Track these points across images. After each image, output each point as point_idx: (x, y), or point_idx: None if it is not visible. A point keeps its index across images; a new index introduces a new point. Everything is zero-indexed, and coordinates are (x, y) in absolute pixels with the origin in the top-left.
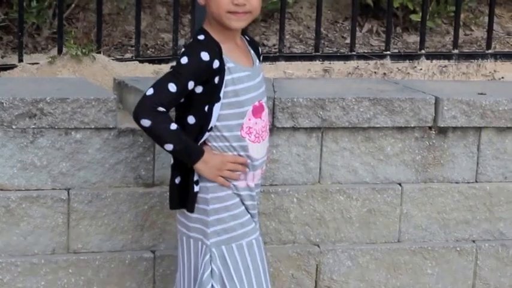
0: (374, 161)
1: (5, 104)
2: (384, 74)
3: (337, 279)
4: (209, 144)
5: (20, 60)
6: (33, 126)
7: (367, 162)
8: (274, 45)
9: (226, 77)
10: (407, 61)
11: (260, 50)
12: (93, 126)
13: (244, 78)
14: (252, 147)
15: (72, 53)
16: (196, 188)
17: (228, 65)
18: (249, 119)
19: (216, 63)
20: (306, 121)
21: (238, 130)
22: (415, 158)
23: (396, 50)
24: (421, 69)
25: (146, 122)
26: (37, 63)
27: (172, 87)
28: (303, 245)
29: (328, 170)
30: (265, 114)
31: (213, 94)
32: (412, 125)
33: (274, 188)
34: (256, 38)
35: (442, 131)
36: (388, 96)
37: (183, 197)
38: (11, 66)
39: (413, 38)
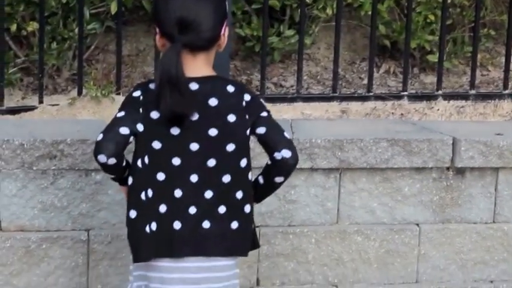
0: (392, 202)
1: (25, 146)
2: (402, 114)
3: None
4: None
5: (40, 102)
6: (54, 168)
7: (385, 203)
8: (292, 86)
9: None
10: (424, 101)
11: None
12: None
13: None
14: None
15: (92, 94)
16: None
17: None
18: None
19: None
20: (324, 162)
21: None
22: (433, 199)
23: (413, 91)
24: (438, 109)
25: None
26: (57, 105)
27: None
28: (321, 285)
29: (346, 211)
30: None
31: None
32: (430, 166)
33: (293, 229)
34: (274, 79)
35: (460, 172)
36: (406, 137)
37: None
38: (32, 108)
39: (430, 79)
